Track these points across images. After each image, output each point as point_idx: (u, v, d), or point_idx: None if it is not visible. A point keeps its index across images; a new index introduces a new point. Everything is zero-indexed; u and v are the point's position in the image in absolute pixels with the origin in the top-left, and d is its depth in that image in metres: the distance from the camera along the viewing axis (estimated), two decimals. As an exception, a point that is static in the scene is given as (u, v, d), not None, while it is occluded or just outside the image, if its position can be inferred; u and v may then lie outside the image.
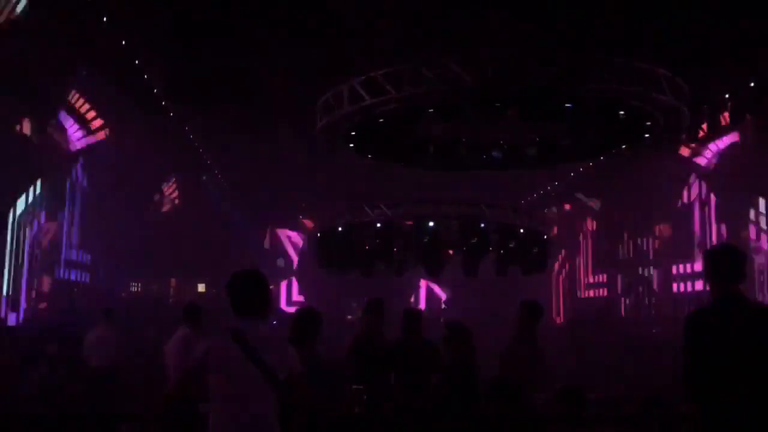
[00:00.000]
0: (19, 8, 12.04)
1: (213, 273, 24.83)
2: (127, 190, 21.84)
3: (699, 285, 18.73)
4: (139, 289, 25.47)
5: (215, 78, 14.81)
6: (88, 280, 21.57)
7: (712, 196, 19.24)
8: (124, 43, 13.13)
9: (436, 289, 29.30)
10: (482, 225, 15.21)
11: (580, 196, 24.51)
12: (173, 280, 27.30)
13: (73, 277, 20.68)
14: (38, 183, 17.29)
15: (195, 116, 17.77)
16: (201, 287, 26.95)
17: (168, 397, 4.61)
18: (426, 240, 15.43)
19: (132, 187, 21.86)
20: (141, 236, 22.72)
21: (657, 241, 22.33)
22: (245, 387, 4.09)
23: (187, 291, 26.67)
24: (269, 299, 4.41)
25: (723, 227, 18.70)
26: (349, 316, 22.63)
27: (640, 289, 22.91)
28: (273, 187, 24.32)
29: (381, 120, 10.84)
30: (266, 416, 4.12)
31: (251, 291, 4.36)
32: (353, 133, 11.80)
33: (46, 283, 18.84)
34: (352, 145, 12.53)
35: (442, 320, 13.88)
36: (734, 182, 17.55)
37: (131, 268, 23.74)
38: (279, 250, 29.82)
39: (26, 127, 15.38)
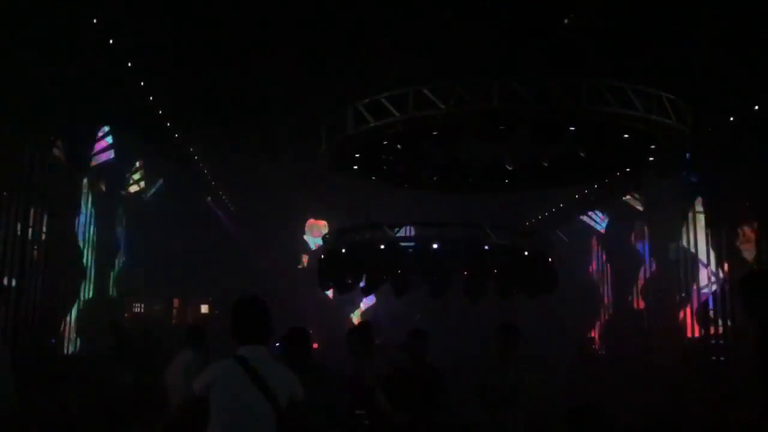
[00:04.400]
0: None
1: (216, 294, 24.78)
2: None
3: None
4: (142, 309, 25.35)
5: (219, 101, 14.92)
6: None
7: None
8: (129, 64, 13.25)
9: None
10: (486, 247, 15.15)
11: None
12: (176, 301, 27.19)
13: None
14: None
15: (199, 137, 17.89)
16: (204, 308, 26.81)
17: (170, 425, 4.59)
18: (430, 261, 15.40)
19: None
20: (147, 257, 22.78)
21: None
22: (248, 413, 4.08)
23: (190, 312, 26.58)
24: (271, 325, 4.40)
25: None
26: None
27: None
28: (277, 208, 24.42)
29: (385, 142, 10.89)
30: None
31: (253, 317, 4.35)
32: (357, 155, 11.84)
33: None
34: (356, 167, 12.56)
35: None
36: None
37: (135, 288, 23.70)
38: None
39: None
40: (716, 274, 17.64)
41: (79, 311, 18.81)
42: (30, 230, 14.72)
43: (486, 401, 6.86)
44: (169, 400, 7.43)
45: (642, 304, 22.09)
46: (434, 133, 10.31)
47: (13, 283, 13.75)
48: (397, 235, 15.54)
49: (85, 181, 18.90)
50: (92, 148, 18.18)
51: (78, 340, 18.52)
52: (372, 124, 10.37)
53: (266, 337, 4.37)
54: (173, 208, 22.92)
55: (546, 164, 13.02)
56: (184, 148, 18.29)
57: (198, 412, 4.17)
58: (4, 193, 13.66)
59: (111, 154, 19.53)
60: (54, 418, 10.22)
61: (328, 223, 27.48)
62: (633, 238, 22.66)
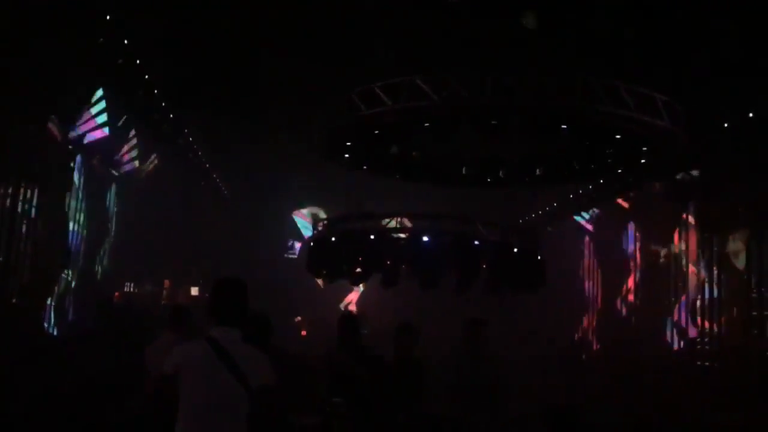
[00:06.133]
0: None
1: (206, 277, 24.78)
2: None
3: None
4: (133, 289, 25.35)
5: (217, 86, 14.89)
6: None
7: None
8: (126, 41, 13.21)
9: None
10: (476, 242, 15.15)
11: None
12: (167, 282, 27.17)
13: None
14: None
15: (195, 122, 17.88)
16: (194, 290, 26.80)
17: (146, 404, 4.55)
18: (419, 253, 15.39)
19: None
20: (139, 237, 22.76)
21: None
22: (219, 394, 4.06)
23: (181, 294, 26.57)
24: (247, 307, 4.38)
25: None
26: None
27: None
28: (269, 194, 24.44)
29: (377, 132, 10.86)
30: (239, 425, 4.08)
31: (230, 298, 4.33)
32: (349, 144, 11.83)
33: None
34: (347, 155, 12.55)
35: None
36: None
37: (127, 267, 23.70)
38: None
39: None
40: (706, 279, 17.68)
41: (67, 290, 18.77)
42: (20, 205, 14.67)
43: (460, 399, 6.66)
44: (148, 380, 7.39)
45: (630, 307, 22.13)
46: (426, 124, 10.29)
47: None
48: (388, 226, 15.52)
49: (78, 158, 18.84)
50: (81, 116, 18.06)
51: (65, 316, 18.49)
52: (364, 113, 10.34)
53: (240, 319, 4.34)
54: (166, 188, 22.91)
55: (539, 163, 13.02)
56: (177, 129, 18.25)
57: (169, 391, 4.14)
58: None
59: (105, 131, 19.47)
60: (41, 395, 10.19)
61: (319, 211, 27.49)
62: (624, 240, 22.69)
